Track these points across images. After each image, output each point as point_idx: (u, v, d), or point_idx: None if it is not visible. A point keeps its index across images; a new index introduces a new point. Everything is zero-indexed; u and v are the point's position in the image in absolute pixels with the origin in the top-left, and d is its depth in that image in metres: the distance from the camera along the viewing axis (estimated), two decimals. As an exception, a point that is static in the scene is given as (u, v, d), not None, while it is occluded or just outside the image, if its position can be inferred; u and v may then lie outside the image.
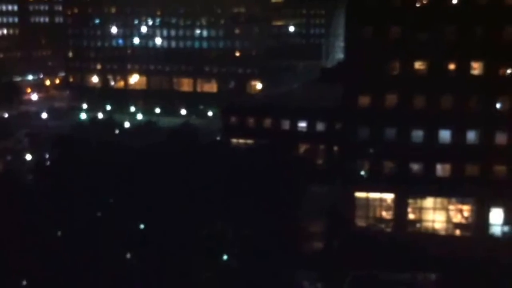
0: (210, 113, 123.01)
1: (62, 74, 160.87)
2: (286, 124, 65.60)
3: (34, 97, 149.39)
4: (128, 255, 51.43)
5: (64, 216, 52.78)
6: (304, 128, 65.50)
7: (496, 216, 57.76)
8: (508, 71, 56.71)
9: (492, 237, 57.54)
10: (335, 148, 63.12)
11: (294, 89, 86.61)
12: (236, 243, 51.24)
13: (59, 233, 52.98)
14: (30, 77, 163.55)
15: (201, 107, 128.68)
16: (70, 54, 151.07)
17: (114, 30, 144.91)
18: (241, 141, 66.49)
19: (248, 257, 49.78)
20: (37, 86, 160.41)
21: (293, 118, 65.13)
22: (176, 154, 61.92)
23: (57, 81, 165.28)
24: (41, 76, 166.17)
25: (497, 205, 57.39)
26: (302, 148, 65.62)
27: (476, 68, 57.19)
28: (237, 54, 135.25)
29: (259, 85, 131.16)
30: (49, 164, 72.85)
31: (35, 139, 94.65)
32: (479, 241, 56.69)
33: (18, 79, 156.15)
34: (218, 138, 71.83)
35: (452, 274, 52.49)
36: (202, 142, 66.68)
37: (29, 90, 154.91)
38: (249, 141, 65.13)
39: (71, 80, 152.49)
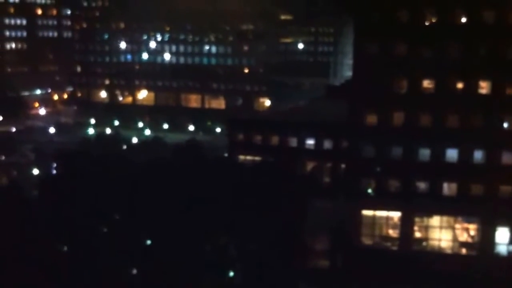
0: (217, 130, 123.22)
1: (69, 89, 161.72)
2: (292, 141, 65.59)
3: (42, 111, 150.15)
4: (133, 271, 51.35)
5: (69, 231, 52.83)
6: (311, 145, 65.48)
7: (502, 235, 57.47)
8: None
9: (498, 256, 57.18)
10: (342, 165, 62.99)
11: (300, 106, 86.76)
12: (240, 258, 51.13)
13: (64, 248, 52.99)
14: (37, 92, 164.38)
15: (209, 123, 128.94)
16: (78, 69, 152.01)
17: (122, 45, 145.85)
18: (248, 157, 66.50)
19: (252, 272, 49.65)
20: (45, 100, 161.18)
21: (299, 135, 65.14)
22: (182, 169, 62.03)
23: (65, 96, 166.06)
24: (49, 90, 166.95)
25: (503, 224, 57.15)
26: (309, 165, 65.53)
27: (483, 86, 57.20)
28: (245, 70, 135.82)
29: (267, 102, 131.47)
30: (54, 178, 73.04)
31: (42, 154, 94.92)
32: (485, 260, 56.36)
33: (26, 93, 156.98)
34: (225, 155, 71.87)
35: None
36: (209, 158, 66.78)
37: (36, 104, 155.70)
38: (256, 158, 65.15)
39: (78, 95, 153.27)
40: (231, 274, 50.91)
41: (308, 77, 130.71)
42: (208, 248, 50.94)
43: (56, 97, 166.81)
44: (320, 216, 56.93)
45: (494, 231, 57.45)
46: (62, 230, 52.96)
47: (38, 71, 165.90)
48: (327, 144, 64.39)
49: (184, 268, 48.46)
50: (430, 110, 57.54)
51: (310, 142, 65.86)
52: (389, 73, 58.11)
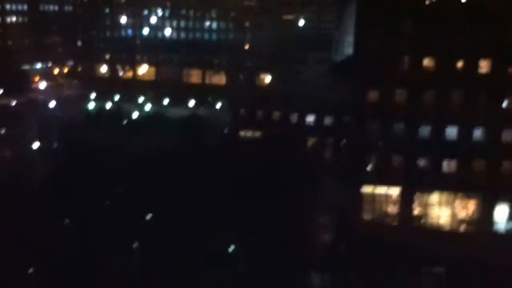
0: (218, 105, 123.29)
1: (70, 63, 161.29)
2: (294, 118, 65.87)
3: (42, 85, 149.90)
4: (135, 245, 51.87)
5: (71, 204, 53.36)
6: (312, 122, 65.77)
7: (501, 212, 58.09)
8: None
9: (497, 234, 57.88)
10: (343, 142, 63.39)
11: (303, 83, 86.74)
12: (242, 234, 51.67)
13: (66, 220, 53.50)
14: (38, 66, 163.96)
15: (210, 98, 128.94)
16: (79, 43, 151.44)
17: (123, 20, 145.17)
18: (249, 133, 66.87)
19: (254, 250, 50.23)
20: (46, 74, 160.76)
21: (301, 112, 65.41)
22: (184, 143, 62.44)
23: (66, 70, 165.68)
24: (49, 64, 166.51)
25: (502, 201, 57.74)
26: (310, 141, 65.86)
27: (485, 66, 57.37)
28: (247, 46, 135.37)
29: (268, 78, 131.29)
30: (56, 152, 73.49)
31: (44, 127, 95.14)
32: (483, 237, 57.09)
33: (26, 67, 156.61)
34: (226, 131, 72.26)
35: (456, 270, 52.87)
36: (209, 133, 67.19)
37: (37, 78, 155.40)
38: (257, 134, 65.54)
39: (79, 69, 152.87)
40: (232, 249, 51.42)
41: (310, 54, 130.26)
42: (212, 225, 51.44)
43: (57, 71, 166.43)
44: (321, 194, 57.46)
45: (493, 208, 58.08)
46: (64, 203, 53.49)
47: (39, 45, 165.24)
48: (329, 121, 64.69)
49: (186, 244, 48.96)
50: (433, 89, 57.75)
51: (312, 118, 66.16)
52: (392, 52, 58.19)
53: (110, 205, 54.73)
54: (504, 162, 57.34)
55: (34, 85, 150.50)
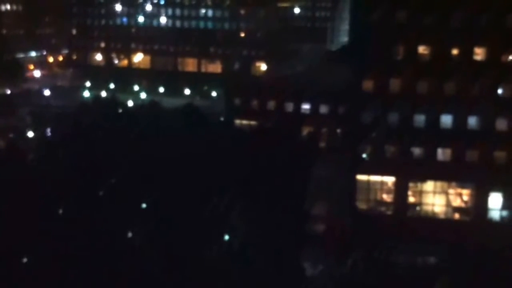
0: (214, 94, 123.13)
1: (65, 51, 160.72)
2: (290, 106, 65.84)
3: (37, 74, 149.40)
4: (130, 234, 51.91)
5: (66, 193, 53.25)
6: (308, 111, 65.77)
7: (495, 200, 58.27)
8: (511, 57, 56.91)
9: (491, 222, 58.09)
10: (338, 131, 63.43)
11: (298, 72, 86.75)
12: (240, 223, 51.73)
13: (60, 210, 53.40)
14: (32, 54, 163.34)
15: (205, 87, 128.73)
16: (74, 32, 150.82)
17: (118, 8, 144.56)
18: (244, 122, 66.89)
19: (251, 237, 50.34)
20: (40, 63, 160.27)
21: (297, 101, 65.37)
22: (180, 133, 62.33)
23: (60, 59, 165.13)
24: (44, 53, 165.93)
25: (496, 190, 57.89)
26: (306, 130, 65.88)
27: (480, 53, 57.31)
28: (242, 35, 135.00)
29: (263, 66, 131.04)
30: (51, 142, 73.29)
31: (39, 117, 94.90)
32: (477, 225, 57.30)
33: (21, 55, 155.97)
34: (222, 119, 72.18)
35: (451, 257, 53.12)
36: (206, 122, 67.00)
37: (31, 67, 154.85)
38: (253, 123, 65.56)
39: (74, 57, 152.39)
40: (229, 239, 51.54)
41: (305, 42, 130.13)
42: (207, 214, 51.47)
43: (51, 59, 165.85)
44: (316, 181, 57.52)
45: (487, 196, 58.23)
46: (58, 193, 53.37)
47: (33, 33, 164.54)
48: (325, 110, 64.68)
49: (182, 233, 49.02)
50: (428, 77, 57.71)
51: (307, 107, 66.14)
52: (387, 40, 58.08)
53: (104, 196, 54.70)
54: (498, 151, 57.39)
55: (29, 74, 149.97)
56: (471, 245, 53.32)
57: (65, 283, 44.21)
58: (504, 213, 58.19)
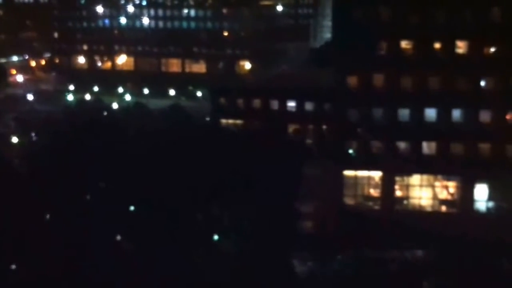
0: (199, 94, 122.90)
1: (47, 55, 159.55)
2: (275, 105, 65.90)
3: (20, 79, 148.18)
4: (119, 237, 51.73)
5: (53, 199, 52.93)
6: (294, 108, 65.89)
7: (481, 192, 58.82)
8: (492, 49, 57.47)
9: (477, 213, 58.63)
10: (324, 128, 63.63)
11: (283, 71, 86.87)
12: (231, 226, 51.73)
13: (47, 216, 53.04)
14: (14, 59, 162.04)
15: (190, 88, 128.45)
16: (56, 35, 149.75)
17: (100, 10, 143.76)
18: (230, 121, 66.91)
19: (241, 237, 50.37)
20: (23, 68, 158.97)
21: (282, 100, 65.43)
22: (167, 135, 62.15)
23: (43, 63, 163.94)
24: (26, 57, 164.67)
25: (481, 181, 58.42)
26: (292, 128, 66.00)
27: (462, 47, 57.79)
28: (226, 34, 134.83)
29: (247, 65, 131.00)
30: (37, 147, 72.81)
31: (23, 122, 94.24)
32: (464, 217, 57.81)
33: (3, 60, 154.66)
34: (208, 119, 72.14)
35: (439, 250, 53.52)
36: (192, 123, 66.90)
37: (14, 71, 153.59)
38: (239, 122, 65.64)
39: (57, 61, 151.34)
40: (218, 238, 51.51)
41: (289, 41, 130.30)
42: (199, 217, 51.43)
43: (34, 63, 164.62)
44: (304, 179, 57.67)
45: (472, 188, 58.77)
46: (45, 198, 53.04)
47: (15, 38, 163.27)
48: (310, 107, 64.81)
49: (172, 237, 48.93)
50: (411, 72, 58.06)
51: (293, 104, 66.26)
52: (370, 36, 58.32)
53: (91, 199, 54.45)
54: (482, 143, 57.93)
55: (11, 79, 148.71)
56: (458, 236, 53.80)
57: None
58: (490, 204, 58.75)
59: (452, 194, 60.57)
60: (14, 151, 76.97)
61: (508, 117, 57.80)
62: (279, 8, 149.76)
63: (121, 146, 60.53)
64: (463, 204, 59.28)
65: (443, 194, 60.76)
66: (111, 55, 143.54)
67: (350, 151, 60.75)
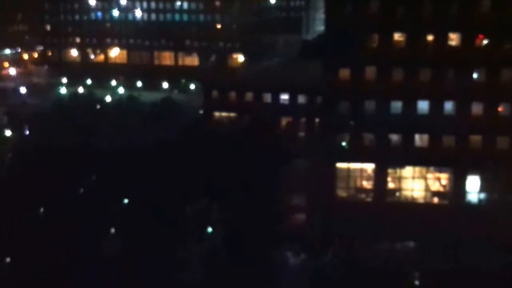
0: (192, 87, 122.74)
1: (40, 48, 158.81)
2: (267, 99, 65.86)
3: (12, 72, 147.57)
4: (112, 230, 51.92)
5: (46, 193, 53.01)
6: (286, 101, 65.89)
7: (472, 184, 59.13)
8: (484, 42, 57.65)
9: (469, 205, 58.97)
10: (316, 121, 63.69)
11: (275, 64, 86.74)
12: (220, 218, 51.90)
13: (41, 209, 53.20)
14: (7, 52, 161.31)
15: (183, 80, 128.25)
16: (48, 28, 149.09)
17: (92, 2, 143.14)
18: (223, 114, 66.91)
19: (231, 230, 50.54)
20: (15, 61, 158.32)
21: (274, 93, 65.39)
22: (160, 128, 62.22)
23: (35, 56, 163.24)
24: (19, 50, 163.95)
25: (473, 173, 58.73)
26: (284, 121, 66.06)
27: (453, 40, 57.91)
28: (218, 27, 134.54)
29: (240, 58, 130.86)
30: (29, 142, 72.75)
31: (15, 116, 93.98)
32: (456, 208, 58.15)
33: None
34: (200, 112, 72.11)
35: (430, 242, 53.87)
36: (185, 115, 66.88)
37: (6, 65, 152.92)
38: (231, 115, 65.62)
39: (49, 54, 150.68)
40: (210, 230, 51.65)
41: (281, 34, 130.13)
42: (188, 210, 51.54)
43: (26, 57, 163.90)
44: (296, 172, 57.85)
45: (464, 180, 59.06)
46: (37, 191, 53.11)
47: (6, 31, 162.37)
48: (302, 101, 64.83)
49: (162, 230, 49.04)
50: (403, 65, 58.14)
51: (285, 97, 66.27)
52: (362, 29, 58.35)
53: (83, 193, 54.55)
54: (474, 135, 58.19)
55: (3, 72, 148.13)
56: (450, 228, 54.17)
57: (47, 283, 44.16)
58: (482, 195, 59.08)
59: (444, 186, 60.88)
60: (6, 145, 76.86)
61: (499, 109, 58.02)
62: (272, 0, 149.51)
63: (113, 139, 60.60)
64: (455, 195, 59.58)
65: (435, 186, 61.07)
66: (104, 48, 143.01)
67: (343, 143, 60.90)
